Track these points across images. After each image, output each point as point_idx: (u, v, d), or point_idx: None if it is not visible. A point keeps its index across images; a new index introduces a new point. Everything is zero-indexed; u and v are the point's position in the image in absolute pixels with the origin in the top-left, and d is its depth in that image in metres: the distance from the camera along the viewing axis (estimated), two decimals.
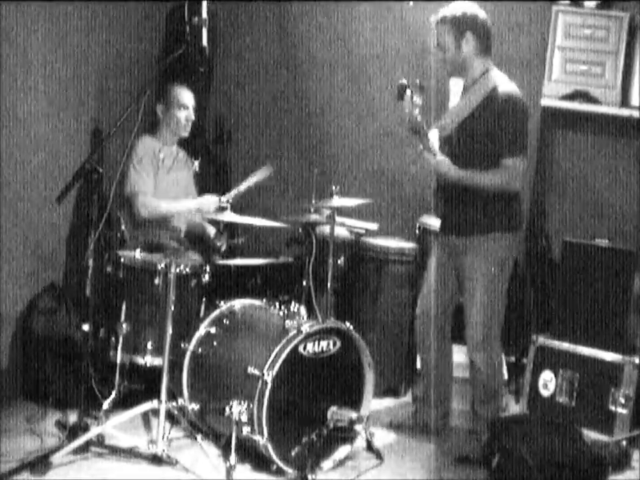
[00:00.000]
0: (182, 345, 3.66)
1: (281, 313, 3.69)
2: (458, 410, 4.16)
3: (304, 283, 4.12)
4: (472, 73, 3.71)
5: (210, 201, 4.39)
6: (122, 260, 3.80)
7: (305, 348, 3.45)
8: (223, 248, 4.40)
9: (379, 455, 3.62)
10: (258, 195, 4.75)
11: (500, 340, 3.81)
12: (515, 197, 3.73)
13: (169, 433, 3.48)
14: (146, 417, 3.77)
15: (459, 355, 4.07)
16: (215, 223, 4.48)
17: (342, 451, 3.57)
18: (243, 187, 4.39)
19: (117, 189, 3.99)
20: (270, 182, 4.50)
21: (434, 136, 3.80)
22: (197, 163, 4.71)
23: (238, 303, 3.83)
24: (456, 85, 3.87)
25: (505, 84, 3.66)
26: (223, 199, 4.31)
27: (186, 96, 4.48)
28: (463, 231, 3.76)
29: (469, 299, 3.75)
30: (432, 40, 3.75)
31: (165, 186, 4.41)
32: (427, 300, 3.92)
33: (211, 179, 5.29)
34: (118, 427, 3.49)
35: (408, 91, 3.59)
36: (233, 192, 4.38)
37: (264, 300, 3.90)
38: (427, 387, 3.99)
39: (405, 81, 3.61)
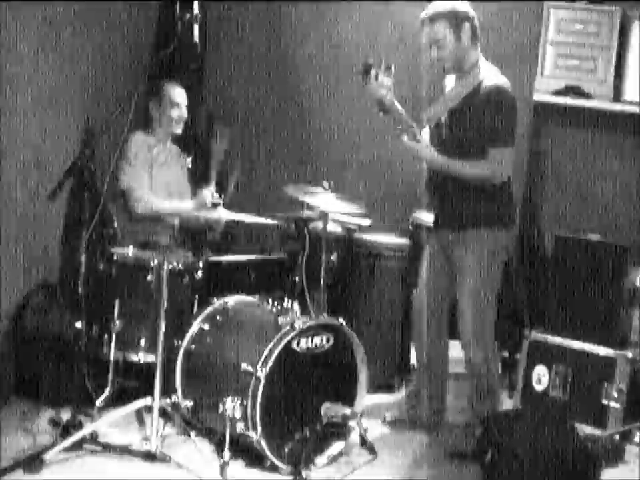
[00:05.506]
0: (175, 342, 3.65)
1: (274, 309, 3.69)
2: (454, 406, 4.17)
3: (297, 279, 4.12)
4: (465, 64, 3.72)
5: (204, 196, 4.35)
6: (114, 257, 3.78)
7: (298, 344, 3.45)
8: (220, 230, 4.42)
9: (372, 451, 3.62)
10: (250, 191, 4.74)
11: (493, 335, 3.82)
12: (506, 193, 3.75)
13: (163, 430, 3.47)
14: (139, 414, 3.76)
15: (457, 350, 4.07)
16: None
17: (336, 446, 3.57)
18: (231, 185, 4.39)
19: (109, 185, 3.98)
20: (263, 178, 4.49)
21: (425, 130, 3.82)
22: (189, 159, 4.70)
23: (231, 300, 3.82)
24: (451, 81, 3.87)
25: (492, 76, 3.67)
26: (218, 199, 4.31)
27: (178, 93, 4.46)
28: (455, 225, 3.76)
29: (461, 293, 3.76)
30: (423, 40, 3.73)
31: (158, 182, 4.39)
32: (423, 295, 3.94)
33: (204, 175, 5.28)
34: (111, 424, 3.49)
35: (373, 71, 3.56)
36: (228, 190, 4.37)
37: (257, 296, 3.90)
38: (421, 383, 4.00)
39: (370, 61, 3.57)
